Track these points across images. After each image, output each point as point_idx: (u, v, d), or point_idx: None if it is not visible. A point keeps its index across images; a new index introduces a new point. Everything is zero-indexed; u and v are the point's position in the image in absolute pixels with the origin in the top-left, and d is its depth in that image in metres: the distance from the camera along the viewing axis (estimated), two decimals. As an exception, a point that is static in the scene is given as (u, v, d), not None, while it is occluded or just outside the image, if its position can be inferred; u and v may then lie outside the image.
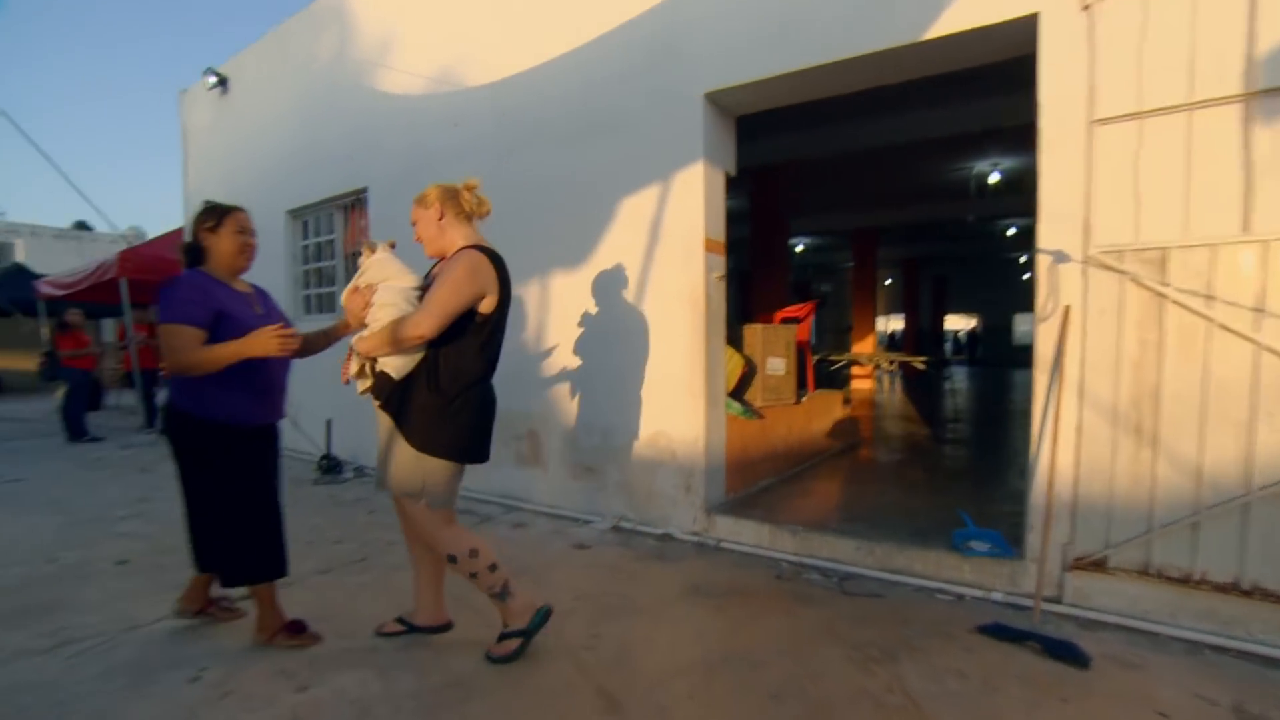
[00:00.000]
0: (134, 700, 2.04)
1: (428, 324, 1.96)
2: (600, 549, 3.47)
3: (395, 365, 2.07)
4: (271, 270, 6.46)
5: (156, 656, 2.32)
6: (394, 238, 2.33)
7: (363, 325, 2.14)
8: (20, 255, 20.47)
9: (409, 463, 2.10)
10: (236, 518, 2.23)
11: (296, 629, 2.36)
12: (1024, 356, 21.35)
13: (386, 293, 2.10)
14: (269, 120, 6.56)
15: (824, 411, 5.29)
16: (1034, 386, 2.65)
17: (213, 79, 6.99)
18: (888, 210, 11.50)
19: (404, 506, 2.19)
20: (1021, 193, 9.46)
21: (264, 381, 2.23)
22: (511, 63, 4.29)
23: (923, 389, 12.40)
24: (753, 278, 8.61)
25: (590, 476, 4.03)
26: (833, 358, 8.70)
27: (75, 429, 7.39)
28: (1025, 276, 20.64)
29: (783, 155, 7.25)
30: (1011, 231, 13.56)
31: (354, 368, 2.14)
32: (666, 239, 3.59)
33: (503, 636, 2.25)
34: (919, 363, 6.68)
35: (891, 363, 10.01)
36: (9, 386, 15.77)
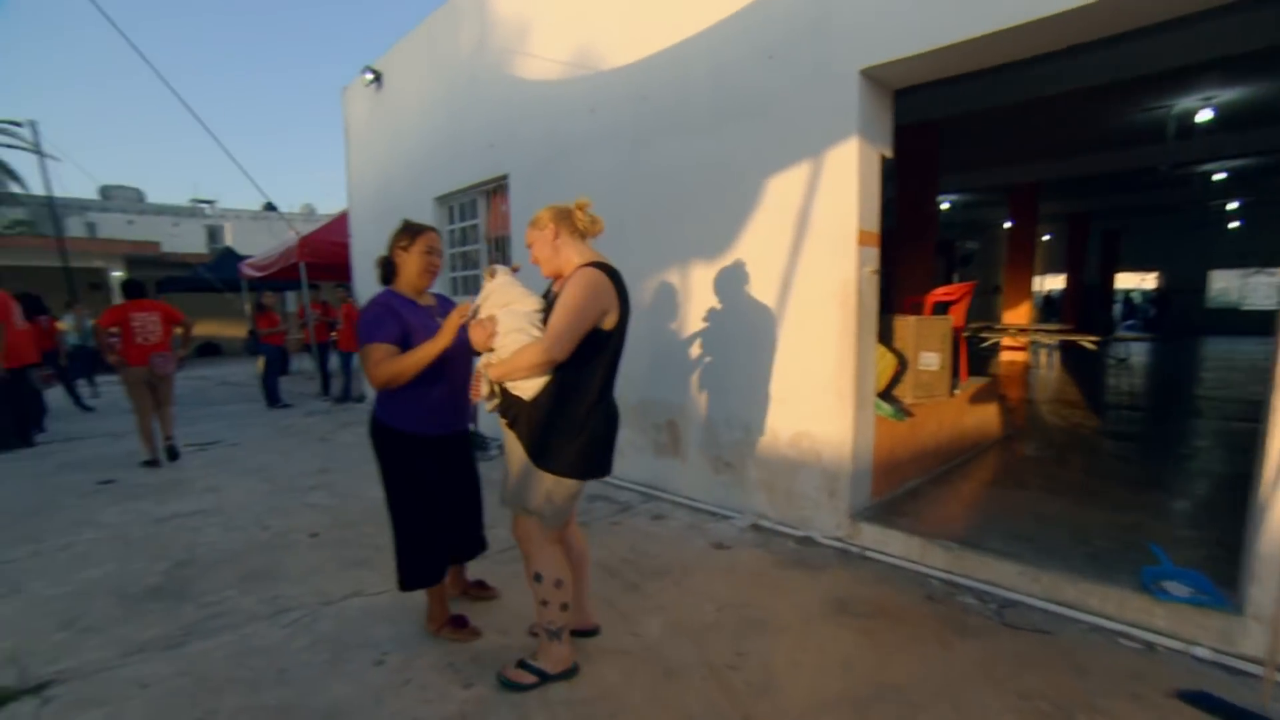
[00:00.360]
0: (333, 677, 2.31)
1: (556, 348, 1.97)
2: (739, 550, 3.43)
3: (525, 387, 2.09)
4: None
5: (349, 634, 2.60)
6: (519, 263, 2.42)
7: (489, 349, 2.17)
8: (228, 236, 23.63)
9: (531, 479, 2.13)
10: (406, 526, 2.42)
11: (459, 623, 2.54)
12: (1224, 322, 18.28)
13: (510, 318, 2.10)
14: (418, 112, 6.91)
15: (976, 402, 4.84)
16: (1273, 381, 2.16)
17: (369, 75, 7.45)
18: (1056, 161, 10.13)
19: (518, 521, 2.24)
20: (1242, 129, 7.92)
21: (444, 392, 2.37)
22: (648, 43, 4.15)
23: (1088, 364, 11.00)
24: (896, 246, 7.96)
25: (729, 471, 3.98)
26: (983, 334, 7.86)
27: (271, 397, 8.54)
28: (1232, 225, 17.58)
29: (938, 109, 6.53)
30: (1220, 176, 11.47)
31: (484, 388, 2.19)
32: (814, 231, 3.37)
33: (525, 665, 2.26)
34: (1089, 342, 5.82)
35: (1052, 337, 8.92)
36: (225, 350, 18.59)
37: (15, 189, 20.86)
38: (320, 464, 5.39)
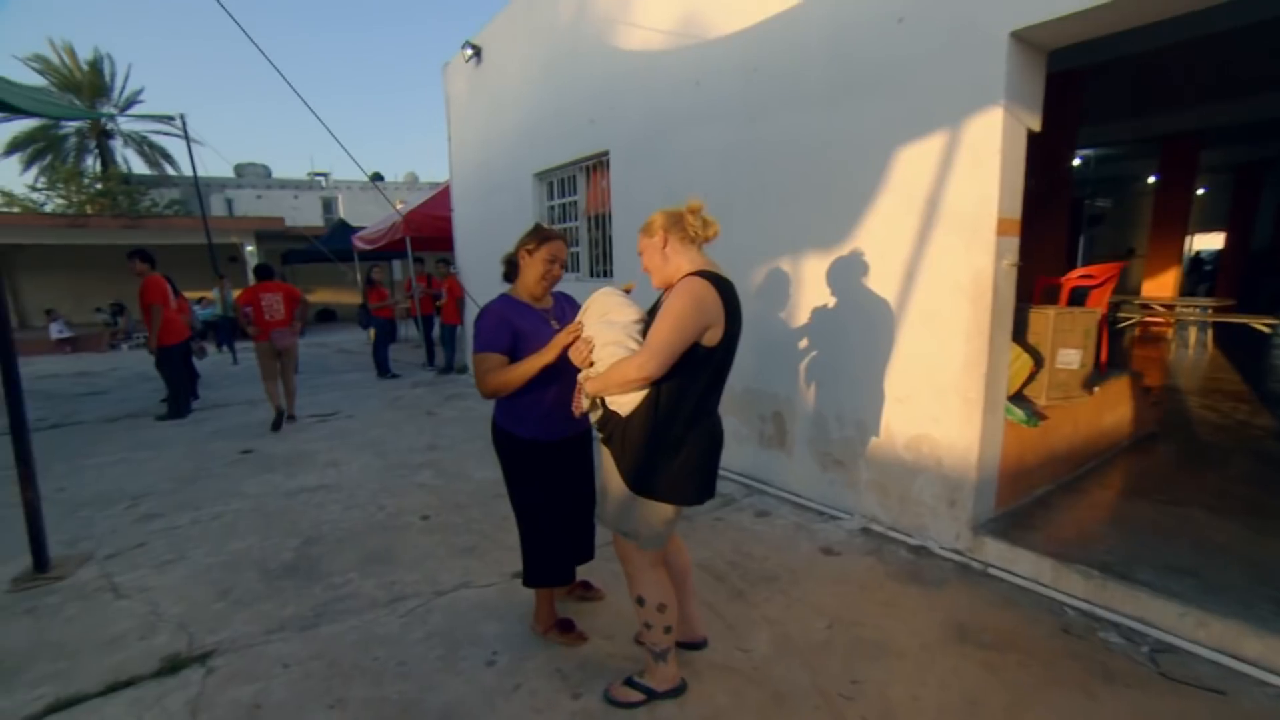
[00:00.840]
0: (448, 674, 2.40)
1: (651, 364, 1.83)
2: (850, 557, 3.27)
3: (622, 402, 1.98)
4: (521, 229, 6.97)
5: (460, 629, 2.70)
6: (633, 283, 2.34)
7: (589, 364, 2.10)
8: (341, 207, 25.14)
9: (626, 501, 2.05)
10: (531, 527, 2.44)
11: (566, 627, 2.57)
12: None
13: (607, 330, 2.00)
14: (517, 87, 6.88)
15: (1117, 398, 4.33)
16: None
17: (469, 51, 7.48)
18: (1226, 104, 8.74)
19: (618, 540, 2.17)
20: None
21: (557, 398, 2.31)
22: (759, 9, 3.86)
23: (1251, 345, 9.43)
24: (1025, 215, 7.19)
25: (839, 470, 3.78)
26: (1122, 314, 6.92)
27: (382, 368, 9.06)
28: None
29: (1081, 57, 5.73)
30: None
31: (585, 402, 2.12)
32: (945, 218, 3.04)
33: (632, 683, 2.20)
34: (1263, 324, 4.90)
35: (1206, 314, 7.83)
36: (339, 316, 19.95)
37: (170, 172, 23.15)
38: (428, 440, 5.65)
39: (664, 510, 2.03)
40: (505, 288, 2.41)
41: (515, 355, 2.22)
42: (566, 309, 2.47)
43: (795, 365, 3.95)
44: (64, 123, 22.30)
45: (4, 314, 3.12)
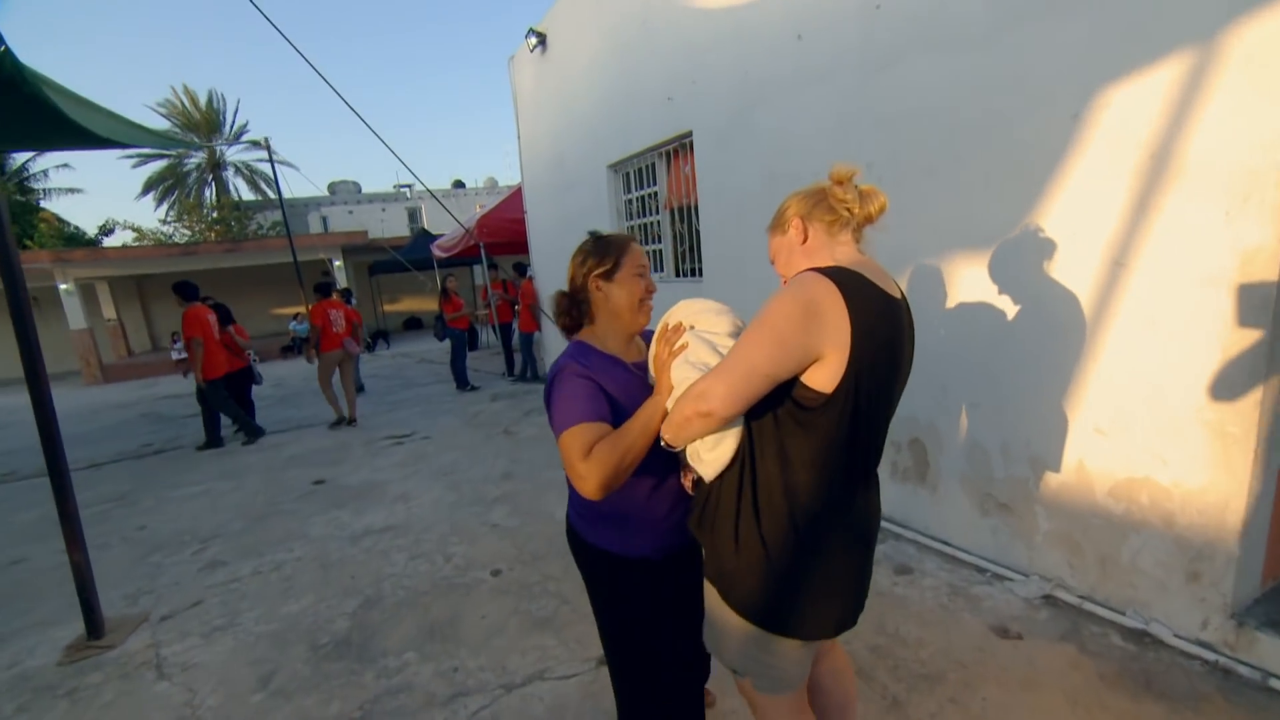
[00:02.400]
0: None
1: (714, 392, 1.18)
2: (1037, 644, 2.43)
3: (705, 460, 1.33)
4: (597, 224, 6.37)
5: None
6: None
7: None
8: (424, 216, 25.88)
9: (728, 626, 1.37)
10: (640, 684, 1.70)
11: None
12: None
13: (691, 343, 1.40)
14: (586, 71, 6.32)
15: None
16: None
17: (533, 39, 7.00)
18: None
19: (736, 681, 1.48)
20: None
21: (662, 485, 1.56)
22: (876, -67, 3.04)
23: None
24: None
25: (1004, 515, 2.93)
26: None
27: (460, 380, 8.84)
28: None
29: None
30: None
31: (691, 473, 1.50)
32: (1187, 177, 2.14)
33: None
34: None
35: None
36: (426, 325, 20.42)
37: (272, 196, 24.66)
38: (504, 465, 5.20)
39: (784, 645, 1.34)
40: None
41: (613, 421, 1.47)
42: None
43: (941, 380, 3.11)
44: (187, 160, 24.23)
45: (36, 353, 2.83)
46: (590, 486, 1.33)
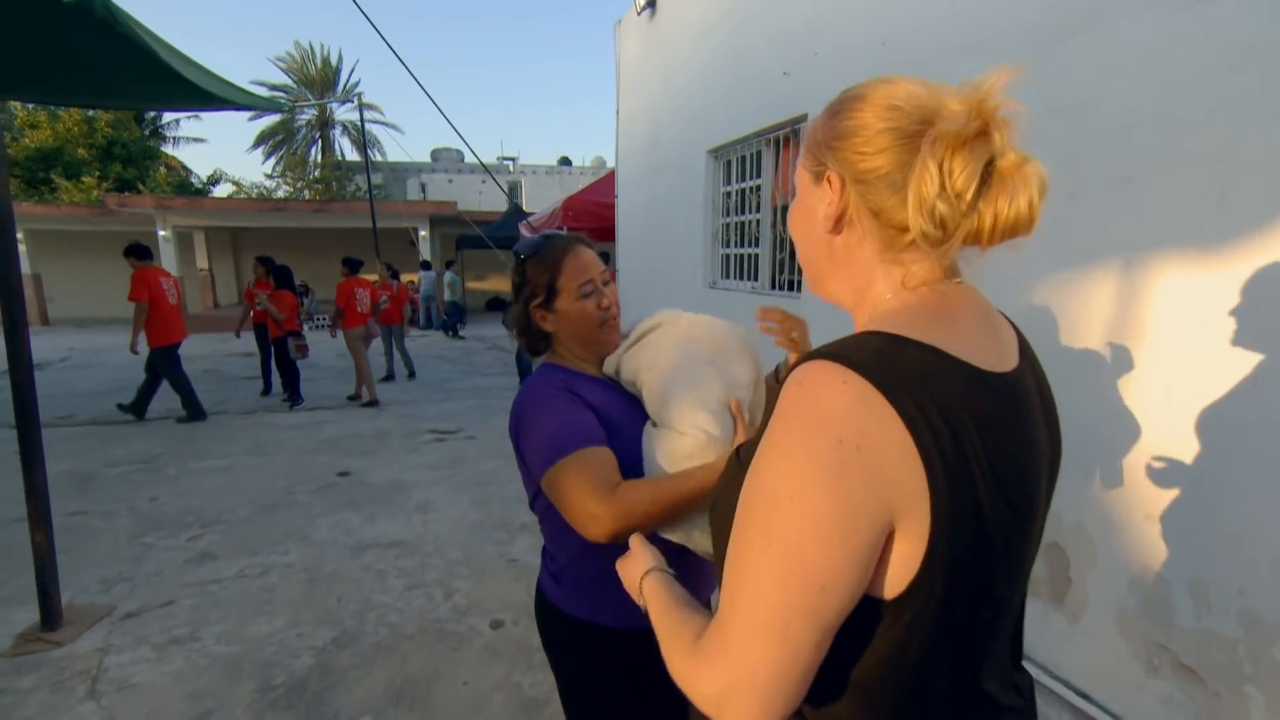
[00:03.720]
0: None
1: (721, 679, 0.62)
2: None
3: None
4: (689, 222, 5.99)
5: None
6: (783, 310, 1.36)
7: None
8: (524, 192, 26.44)
9: None
10: None
11: None
12: None
13: (702, 371, 1.24)
14: (692, 37, 5.87)
15: None
16: None
17: (641, 2, 6.61)
18: None
19: None
20: None
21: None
22: None
23: None
24: None
25: (1187, 682, 2.20)
26: None
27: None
28: None
29: None
30: None
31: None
32: None
33: None
34: None
35: None
36: (508, 306, 20.73)
37: (376, 158, 26.00)
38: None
39: None
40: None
41: (615, 444, 1.26)
42: None
43: (1098, 465, 2.40)
44: (298, 116, 26.02)
45: (18, 302, 2.71)
46: (602, 530, 1.12)
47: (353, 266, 7.59)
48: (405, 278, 17.85)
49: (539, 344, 1.41)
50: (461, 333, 14.34)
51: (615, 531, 1.11)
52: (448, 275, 14.59)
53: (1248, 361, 2.01)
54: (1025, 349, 0.77)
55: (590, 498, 1.11)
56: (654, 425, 1.25)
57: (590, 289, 1.31)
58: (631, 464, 1.22)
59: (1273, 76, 1.88)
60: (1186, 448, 2.18)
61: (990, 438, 0.62)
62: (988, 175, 0.63)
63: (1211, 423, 2.10)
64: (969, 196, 0.62)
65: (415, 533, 4.01)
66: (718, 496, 0.79)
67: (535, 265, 1.33)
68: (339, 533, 4.01)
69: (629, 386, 1.33)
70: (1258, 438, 1.98)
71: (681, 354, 1.25)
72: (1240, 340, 2.02)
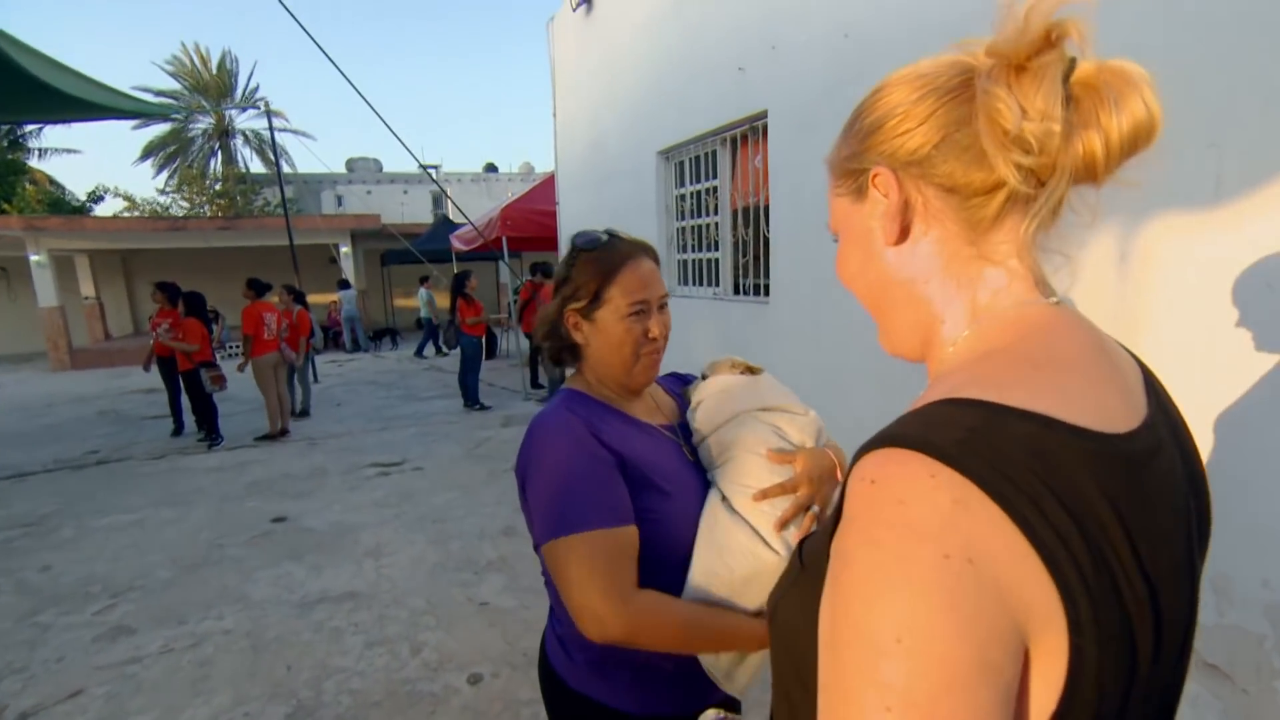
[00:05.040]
0: None
1: None
2: None
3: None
4: (641, 228, 5.90)
5: None
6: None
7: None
8: (450, 200, 25.87)
9: None
10: None
11: None
12: None
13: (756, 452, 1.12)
14: (636, 33, 5.81)
15: None
16: None
17: (577, -3, 6.53)
18: None
19: None
20: None
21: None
22: None
23: None
24: None
25: (1215, 678, 2.21)
26: None
27: (470, 397, 8.42)
28: None
29: None
30: None
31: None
32: None
33: None
34: None
35: None
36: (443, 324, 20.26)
37: (286, 169, 24.92)
38: (507, 517, 4.64)
39: None
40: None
41: (650, 514, 1.11)
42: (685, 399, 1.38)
43: None
44: (192, 125, 24.74)
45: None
46: (603, 635, 1.01)
47: (259, 289, 7.26)
48: (324, 299, 17.20)
49: (564, 354, 1.26)
50: (444, 350, 14.19)
51: (617, 641, 1.02)
52: (423, 293, 14.52)
53: (1265, 351, 2.04)
54: (1152, 385, 0.64)
55: (599, 595, 1.00)
56: (723, 501, 1.12)
57: (642, 309, 1.17)
58: (669, 529, 1.11)
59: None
60: (1202, 440, 2.20)
61: (1128, 523, 0.51)
62: (1070, 91, 0.53)
63: (1229, 415, 2.13)
64: (1059, 111, 0.52)
65: (369, 581, 3.75)
66: (777, 603, 0.68)
67: (588, 262, 1.18)
68: (281, 589, 3.71)
69: (701, 443, 1.22)
70: (1276, 429, 2.01)
71: (739, 412, 1.18)
72: (1256, 329, 2.06)
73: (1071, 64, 0.52)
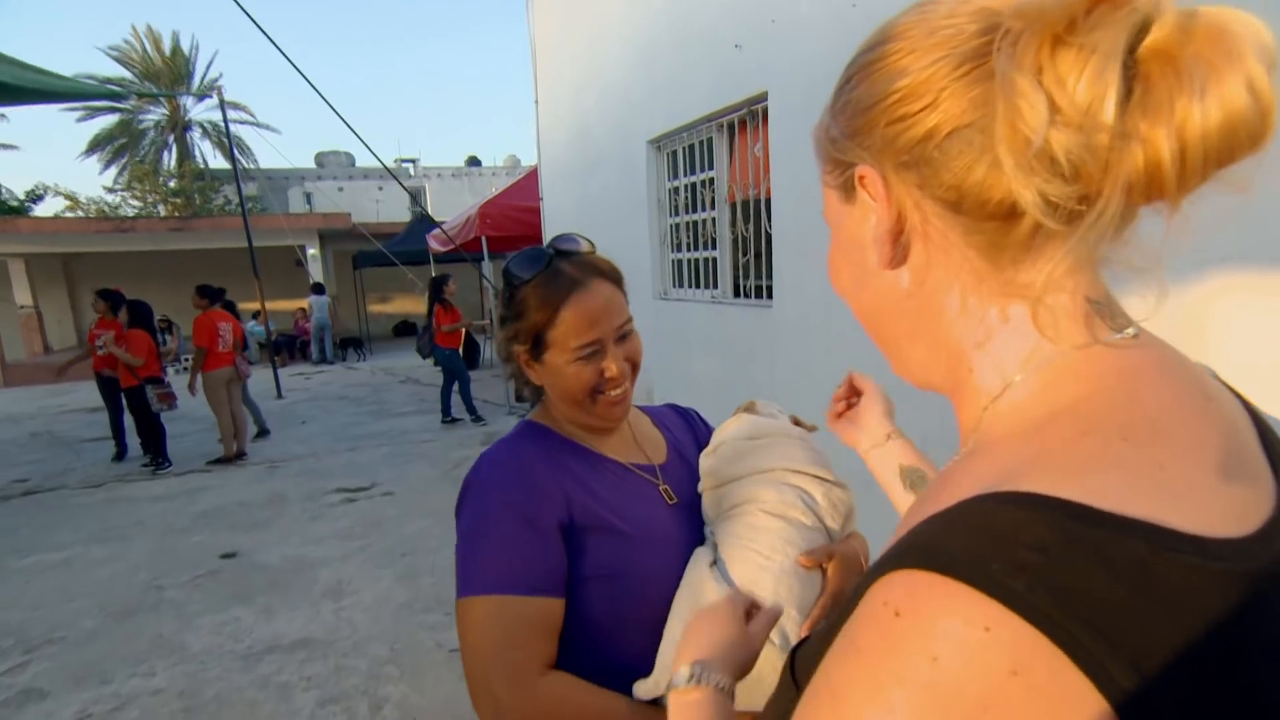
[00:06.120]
0: None
1: None
2: None
3: None
4: (631, 225, 5.87)
5: None
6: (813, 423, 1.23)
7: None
8: (429, 198, 25.87)
9: None
10: None
11: None
12: None
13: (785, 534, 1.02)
14: (624, 12, 5.80)
15: None
16: None
17: (560, -30, 6.48)
18: None
19: None
20: None
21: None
22: None
23: None
24: None
25: None
26: None
27: (446, 410, 8.40)
28: None
29: None
30: None
31: None
32: None
33: None
34: None
35: None
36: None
37: (249, 164, 24.83)
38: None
39: None
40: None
41: (604, 571, 1.05)
42: (684, 438, 1.31)
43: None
44: (143, 118, 24.68)
45: None
46: (482, 709, 1.00)
47: (211, 296, 7.07)
48: (291, 305, 17.08)
49: (526, 390, 1.22)
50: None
51: (503, 711, 0.97)
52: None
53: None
54: (1270, 441, 0.47)
55: (497, 674, 0.96)
56: (714, 565, 1.04)
57: (592, 351, 1.07)
58: (629, 584, 1.05)
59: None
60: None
61: (1265, 671, 0.37)
62: (1135, 67, 0.39)
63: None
64: (1108, 109, 0.38)
65: (326, 626, 3.64)
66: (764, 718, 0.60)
67: (529, 297, 1.09)
68: (224, 637, 3.58)
69: (709, 491, 1.15)
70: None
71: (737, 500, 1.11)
72: None
73: (1143, 26, 0.39)
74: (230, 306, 7.80)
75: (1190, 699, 0.34)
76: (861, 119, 0.49)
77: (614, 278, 1.13)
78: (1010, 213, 0.43)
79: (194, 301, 6.97)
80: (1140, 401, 0.43)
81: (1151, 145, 0.39)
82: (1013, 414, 0.46)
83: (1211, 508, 0.37)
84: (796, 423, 1.22)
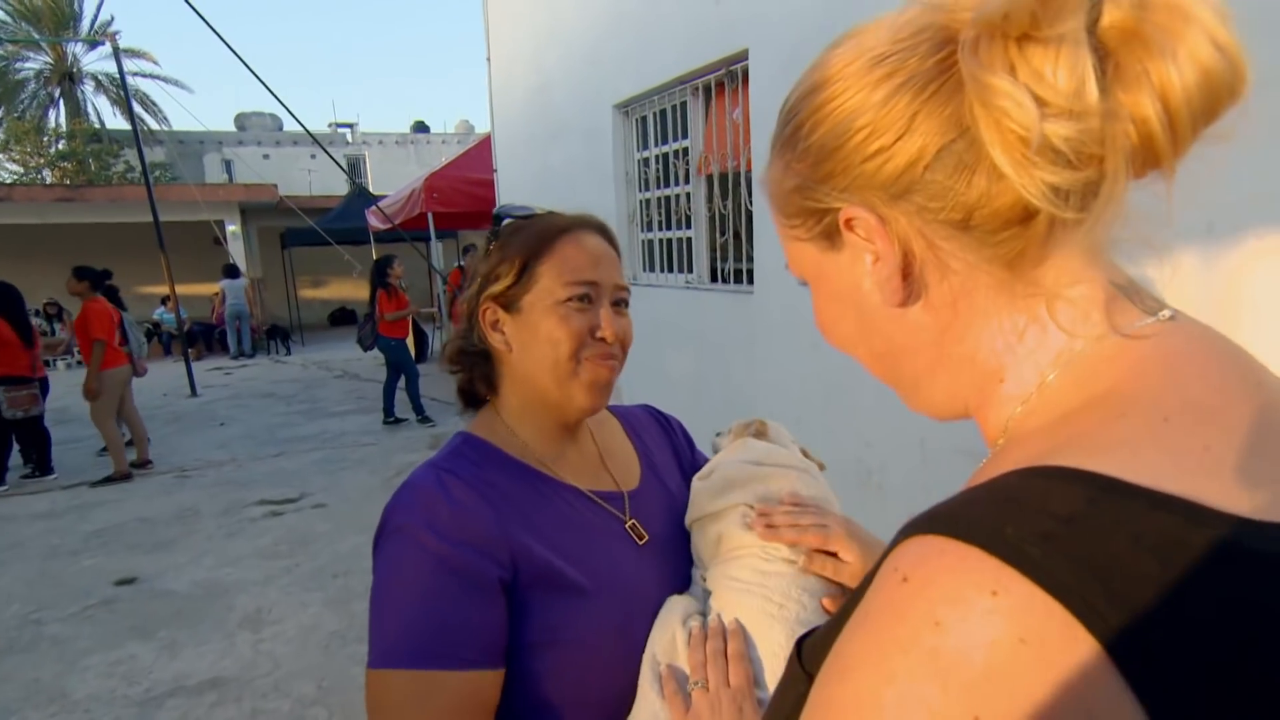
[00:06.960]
0: None
1: None
2: None
3: None
4: (596, 200, 5.87)
5: None
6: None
7: None
8: (369, 168, 25.59)
9: None
10: None
11: None
12: None
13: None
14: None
15: None
16: None
17: (514, -89, 6.47)
18: None
19: None
20: None
21: None
22: None
23: None
24: None
25: None
26: None
27: (389, 409, 8.45)
28: None
29: None
30: None
31: None
32: None
33: None
34: None
35: None
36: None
37: (153, 126, 24.27)
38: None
39: None
40: None
41: (551, 635, 0.98)
42: (661, 455, 1.25)
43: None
44: (21, 66, 23.96)
45: None
46: None
47: (94, 279, 6.65)
48: (207, 290, 16.75)
49: (474, 381, 1.12)
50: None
51: None
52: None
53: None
54: None
55: None
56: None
57: (587, 293, 1.03)
58: (594, 649, 0.98)
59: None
60: None
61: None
62: (1100, 48, 0.45)
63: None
64: (1091, 90, 0.43)
65: (242, 662, 3.62)
66: (771, 714, 0.62)
67: (513, 238, 1.07)
68: (117, 680, 3.53)
69: (695, 522, 1.10)
70: None
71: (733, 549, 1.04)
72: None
73: (1096, 8, 0.44)
74: (113, 293, 7.29)
75: (1218, 683, 0.35)
76: (830, 163, 0.53)
77: (612, 240, 1.12)
78: (1024, 215, 0.47)
79: (70, 286, 6.57)
80: (1183, 385, 0.47)
81: (1139, 114, 0.44)
82: (1045, 409, 0.50)
83: (1259, 492, 0.40)
84: (805, 455, 1.17)
